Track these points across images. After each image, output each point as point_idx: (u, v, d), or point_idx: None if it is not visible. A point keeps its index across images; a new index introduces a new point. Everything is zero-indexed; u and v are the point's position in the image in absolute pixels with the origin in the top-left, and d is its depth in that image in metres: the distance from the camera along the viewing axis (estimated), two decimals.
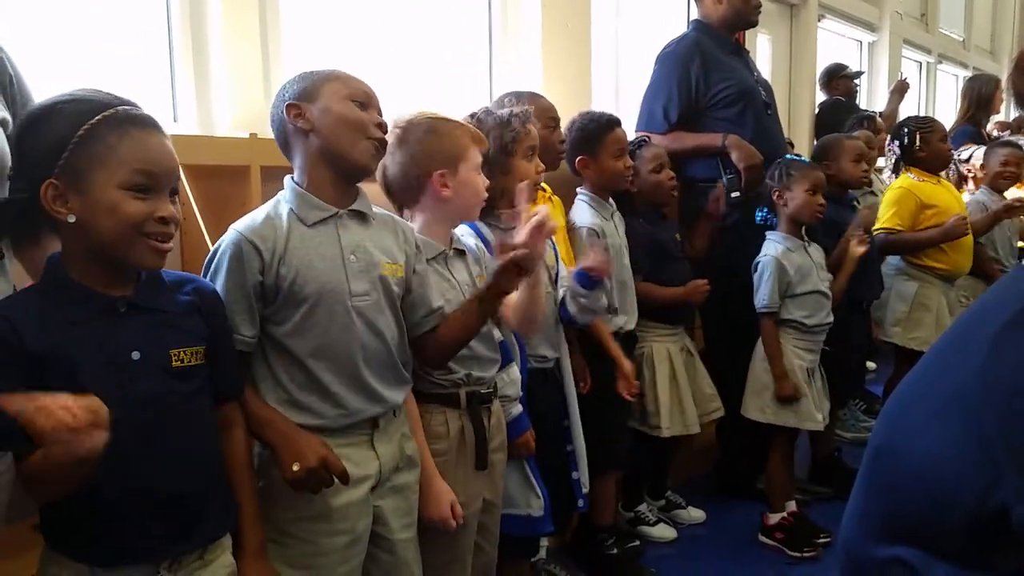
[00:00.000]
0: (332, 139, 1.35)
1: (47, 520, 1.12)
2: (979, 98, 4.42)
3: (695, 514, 2.78)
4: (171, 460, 1.13)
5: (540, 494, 1.85)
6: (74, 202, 1.06)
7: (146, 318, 1.13)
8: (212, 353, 1.21)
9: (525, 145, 1.84)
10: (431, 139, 1.61)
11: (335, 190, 1.39)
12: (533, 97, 2.19)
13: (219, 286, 1.31)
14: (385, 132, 1.40)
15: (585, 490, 2.04)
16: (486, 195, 1.65)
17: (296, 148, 1.39)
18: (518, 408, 1.82)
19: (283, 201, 1.39)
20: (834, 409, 2.89)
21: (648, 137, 2.66)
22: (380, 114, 1.40)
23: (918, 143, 3.11)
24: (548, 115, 2.19)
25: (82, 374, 1.06)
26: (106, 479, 1.07)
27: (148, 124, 1.11)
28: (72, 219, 1.06)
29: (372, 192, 1.55)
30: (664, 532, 2.66)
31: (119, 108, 1.09)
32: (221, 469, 1.24)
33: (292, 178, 1.40)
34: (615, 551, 2.42)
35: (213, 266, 1.34)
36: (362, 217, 1.42)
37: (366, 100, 1.38)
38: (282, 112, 1.37)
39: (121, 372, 1.09)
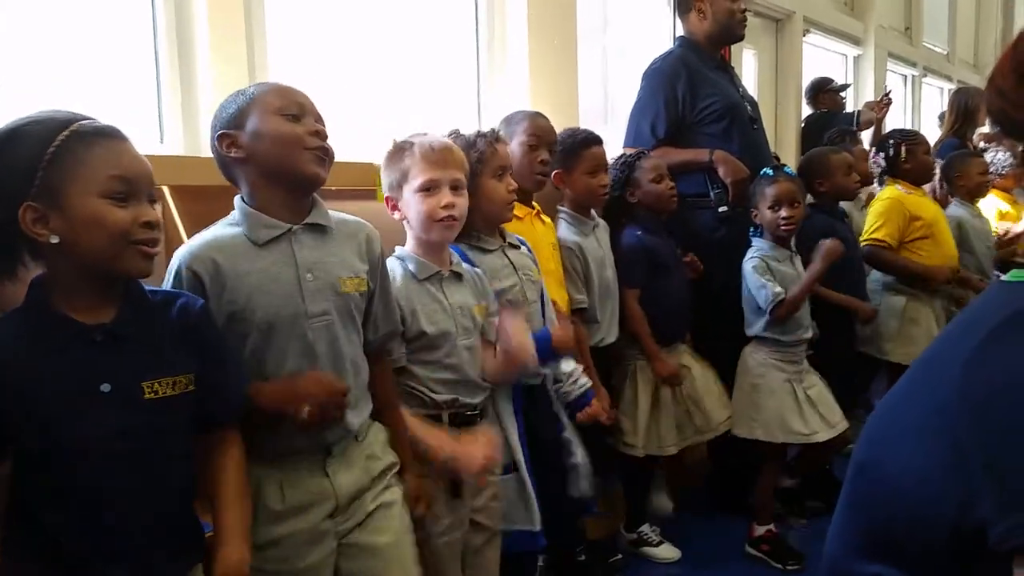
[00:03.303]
0: (269, 161, 1.30)
1: (7, 550, 1.09)
2: (965, 111, 4.45)
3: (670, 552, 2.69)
4: (140, 495, 1.09)
5: (536, 508, 1.82)
6: (55, 222, 1.04)
7: (122, 347, 1.09)
8: (202, 374, 1.16)
9: (493, 165, 1.83)
10: (385, 163, 1.65)
11: (287, 206, 1.33)
12: (530, 115, 2.20)
13: None
14: (324, 139, 1.33)
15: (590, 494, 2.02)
16: (445, 215, 1.59)
17: (238, 175, 1.34)
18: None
19: (232, 222, 1.33)
20: None
21: (645, 150, 2.68)
22: (319, 121, 1.34)
23: (903, 155, 3.14)
24: (530, 133, 2.17)
25: (48, 406, 1.04)
26: (71, 514, 1.06)
27: (115, 134, 1.10)
28: (55, 239, 1.04)
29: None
30: (668, 553, 2.64)
31: (83, 122, 1.07)
32: (191, 500, 1.20)
33: (242, 197, 1.34)
34: (583, 558, 2.41)
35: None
36: (320, 230, 1.36)
37: (298, 111, 1.31)
38: (216, 143, 1.32)
39: (89, 405, 1.05)
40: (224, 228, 1.33)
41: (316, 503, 1.34)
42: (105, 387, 1.07)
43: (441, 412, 1.61)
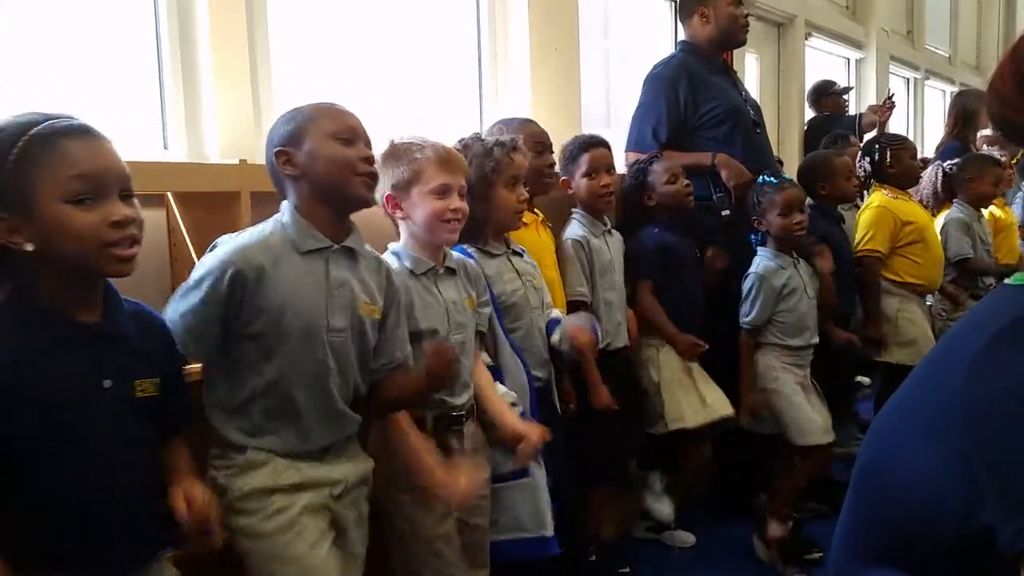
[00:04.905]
0: (322, 183, 1.37)
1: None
2: (965, 114, 4.44)
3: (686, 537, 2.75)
4: (129, 490, 1.12)
5: (547, 513, 1.81)
6: (27, 230, 1.01)
7: (114, 346, 1.11)
8: (166, 385, 1.18)
9: (507, 174, 1.86)
10: (388, 162, 1.65)
11: (331, 224, 1.40)
12: (524, 123, 2.21)
13: (190, 302, 1.30)
14: (373, 163, 1.41)
15: None
16: (452, 217, 1.62)
17: (290, 190, 1.40)
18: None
19: (280, 224, 1.38)
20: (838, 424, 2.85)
21: (658, 154, 2.68)
22: (368, 146, 1.41)
23: (888, 159, 3.13)
24: (535, 140, 2.20)
25: (55, 402, 1.04)
26: (56, 506, 1.06)
27: (79, 131, 1.05)
28: (31, 247, 1.02)
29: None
30: (685, 538, 2.70)
31: (43, 124, 1.03)
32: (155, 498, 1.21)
33: (292, 203, 1.40)
34: (593, 558, 2.42)
35: (193, 281, 1.32)
36: (351, 255, 1.43)
37: (351, 135, 1.38)
38: (272, 159, 1.38)
39: (94, 401, 1.08)
40: (270, 229, 1.38)
41: (324, 484, 1.40)
42: (107, 383, 1.09)
43: (425, 413, 1.62)
